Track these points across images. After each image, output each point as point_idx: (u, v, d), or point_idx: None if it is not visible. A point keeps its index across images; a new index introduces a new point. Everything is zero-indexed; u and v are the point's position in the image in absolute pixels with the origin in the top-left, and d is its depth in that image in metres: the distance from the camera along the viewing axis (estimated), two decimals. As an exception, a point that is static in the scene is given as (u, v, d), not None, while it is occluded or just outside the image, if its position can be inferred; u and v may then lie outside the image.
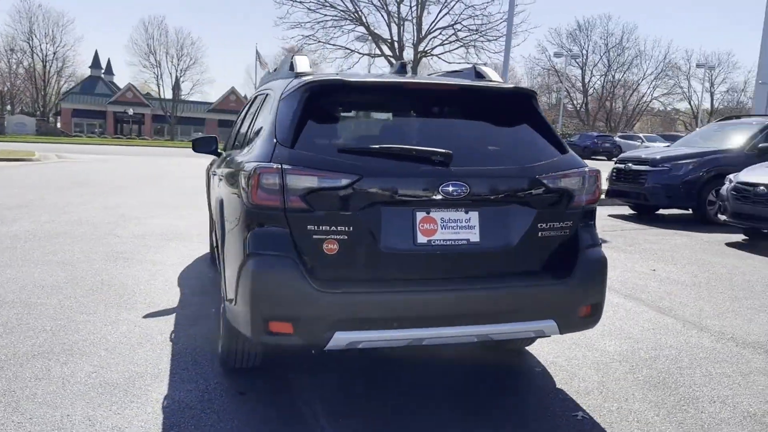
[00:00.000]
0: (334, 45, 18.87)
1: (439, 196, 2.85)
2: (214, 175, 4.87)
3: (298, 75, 3.35)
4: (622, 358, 4.02)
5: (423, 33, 18.48)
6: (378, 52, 18.45)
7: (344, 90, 3.13)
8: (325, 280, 2.76)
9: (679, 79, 65.33)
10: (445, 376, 3.69)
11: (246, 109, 4.78)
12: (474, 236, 2.92)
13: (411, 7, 17.55)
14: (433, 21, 18.32)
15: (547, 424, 3.08)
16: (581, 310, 3.06)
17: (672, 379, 3.69)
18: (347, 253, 2.80)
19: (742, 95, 67.17)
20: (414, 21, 18.13)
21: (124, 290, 5.24)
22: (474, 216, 2.93)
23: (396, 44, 18.18)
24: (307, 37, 19.56)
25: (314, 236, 2.79)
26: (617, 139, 41.13)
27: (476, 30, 18.89)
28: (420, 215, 2.87)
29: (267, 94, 3.93)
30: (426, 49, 18.82)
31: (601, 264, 3.14)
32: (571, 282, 3.01)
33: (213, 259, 6.20)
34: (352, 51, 18.76)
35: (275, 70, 4.84)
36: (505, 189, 2.96)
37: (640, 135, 41.82)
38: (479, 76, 3.63)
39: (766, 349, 4.31)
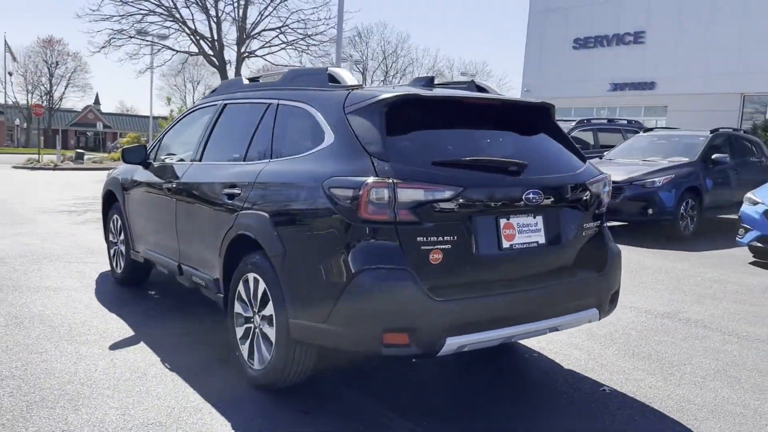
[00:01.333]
0: (149, 40, 17.56)
1: (521, 204, 3.11)
2: (164, 187, 4.53)
3: (353, 88, 3.36)
4: (611, 343, 4.61)
5: (246, 34, 18.06)
6: (196, 50, 17.64)
7: (419, 104, 3.21)
8: (434, 289, 2.86)
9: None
10: (483, 374, 3.94)
11: (196, 120, 4.49)
12: (541, 238, 3.24)
13: (234, 7, 17.14)
14: (254, 22, 18.07)
15: (586, 399, 3.50)
16: (610, 297, 3.53)
17: (654, 352, 4.37)
18: (449, 261, 2.93)
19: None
20: (237, 22, 17.64)
21: (53, 323, 4.59)
22: (540, 220, 3.25)
23: (216, 43, 17.52)
24: (117, 32, 17.89)
25: (422, 247, 2.87)
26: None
27: (305, 34, 19.05)
28: (502, 222, 3.10)
29: (269, 105, 3.81)
30: (250, 50, 18.50)
31: (620, 256, 3.65)
32: (606, 273, 3.47)
33: (126, 280, 5.65)
34: (165, 47, 17.70)
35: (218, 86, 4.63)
36: (563, 194, 3.32)
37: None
38: (481, 89, 3.91)
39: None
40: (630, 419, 3.27)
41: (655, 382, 3.78)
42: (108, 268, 6.26)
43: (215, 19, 17.26)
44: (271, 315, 3.33)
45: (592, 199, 3.48)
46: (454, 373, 3.89)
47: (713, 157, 10.15)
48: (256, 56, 18.44)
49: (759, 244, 7.67)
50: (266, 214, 3.33)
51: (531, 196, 3.13)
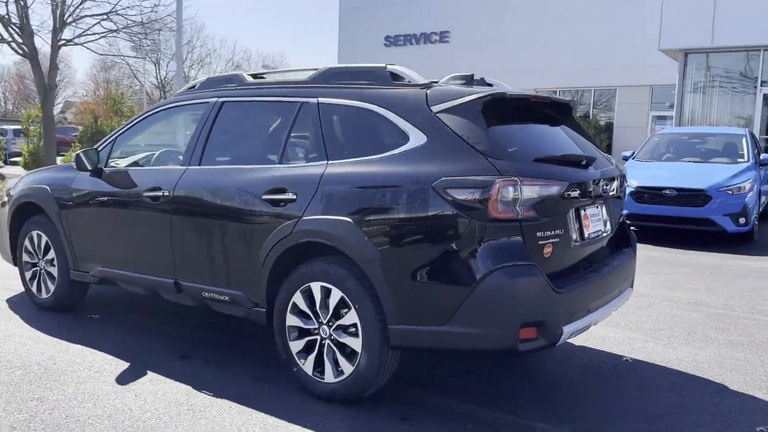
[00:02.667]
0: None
1: (597, 195, 3.35)
2: (146, 197, 4.08)
3: (425, 86, 3.32)
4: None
5: (65, 20, 15.89)
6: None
7: (503, 102, 3.27)
8: (551, 281, 2.98)
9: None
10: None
11: (203, 122, 4.03)
12: (604, 226, 3.52)
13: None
14: (73, 8, 15.88)
15: (612, 369, 3.87)
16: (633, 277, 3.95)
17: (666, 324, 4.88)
18: (556, 253, 3.08)
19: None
20: (53, 5, 15.40)
21: (18, 364, 3.87)
22: (603, 209, 3.54)
23: (25, 29, 15.17)
24: None
25: (539, 242, 2.98)
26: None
27: (140, 22, 17.28)
28: (583, 213, 3.32)
29: (303, 103, 3.61)
30: (68, 37, 16.28)
31: (635, 239, 4.07)
32: (633, 255, 3.87)
33: (57, 304, 4.89)
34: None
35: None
36: (615, 185, 3.62)
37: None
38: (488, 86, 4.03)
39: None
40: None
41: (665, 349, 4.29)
42: (12, 293, 5.36)
43: (22, 1, 15.03)
44: (354, 324, 3.19)
45: (622, 188, 3.85)
46: (518, 368, 4.03)
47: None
48: (75, 44, 16.43)
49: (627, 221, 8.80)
50: (348, 219, 3.16)
51: (606, 187, 3.40)
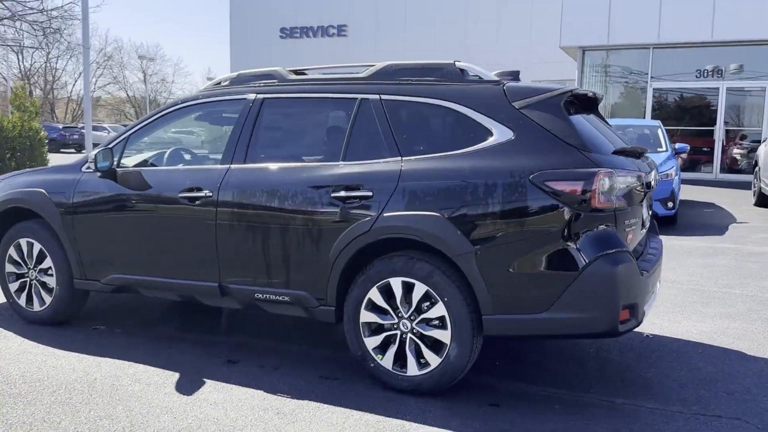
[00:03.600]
0: None
1: (650, 183, 3.64)
2: (182, 198, 3.89)
3: (497, 82, 3.44)
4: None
5: None
6: None
7: (574, 98, 3.45)
8: None
9: (113, 69, 66.03)
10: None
11: (244, 121, 3.89)
12: (646, 212, 3.82)
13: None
14: None
15: (641, 345, 4.22)
16: None
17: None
18: (633, 239, 3.32)
19: (172, 86, 73.09)
20: None
21: (52, 384, 3.59)
22: (646, 198, 3.84)
23: None
24: None
25: (626, 229, 3.21)
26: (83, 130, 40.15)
27: (41, 10, 15.70)
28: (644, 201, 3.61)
29: (363, 100, 3.61)
30: None
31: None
32: (659, 239, 4.23)
33: (54, 317, 4.53)
34: None
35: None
36: (654, 174, 3.93)
37: (106, 126, 41.86)
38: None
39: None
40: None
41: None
42: (-7, 308, 4.89)
43: None
44: (442, 316, 3.27)
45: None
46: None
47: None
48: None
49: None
50: (437, 214, 3.22)
51: (658, 175, 3.70)
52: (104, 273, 4.28)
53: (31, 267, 4.56)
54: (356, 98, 3.66)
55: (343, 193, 3.46)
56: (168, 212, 3.99)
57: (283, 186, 3.65)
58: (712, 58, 15.89)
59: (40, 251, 4.50)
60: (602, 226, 3.09)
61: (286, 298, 3.69)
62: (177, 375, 3.70)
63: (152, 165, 4.39)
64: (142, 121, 4.33)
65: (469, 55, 25.42)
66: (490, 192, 3.15)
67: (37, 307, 4.57)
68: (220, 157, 4.10)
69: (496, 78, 3.51)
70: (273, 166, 3.76)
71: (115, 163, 4.21)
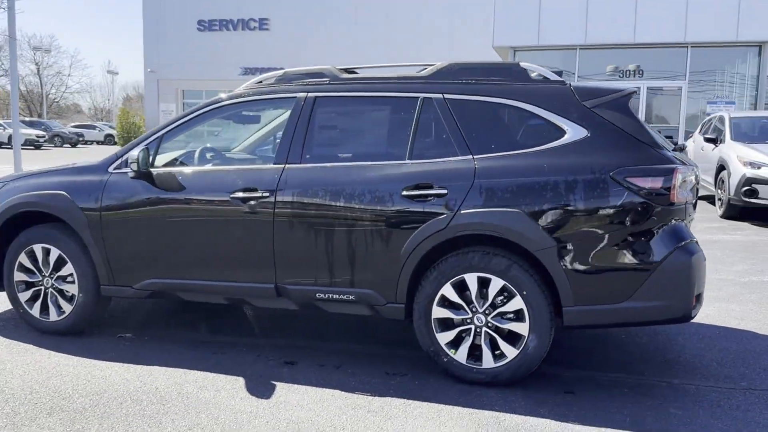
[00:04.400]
0: None
1: None
2: (234, 198, 3.81)
3: (562, 82, 3.60)
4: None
5: None
6: None
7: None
8: None
9: (2, 61, 61.55)
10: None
11: (297, 120, 3.85)
12: None
13: None
14: None
15: (667, 328, 4.54)
16: None
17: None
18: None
19: (68, 79, 69.15)
20: None
21: (126, 399, 3.43)
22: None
23: None
24: None
25: (690, 222, 3.46)
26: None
27: None
28: None
29: (426, 99, 3.68)
30: None
31: None
32: None
33: (75, 326, 4.29)
34: None
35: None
36: None
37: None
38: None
39: None
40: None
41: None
42: (-4, 319, 4.56)
43: None
44: (519, 309, 3.41)
45: None
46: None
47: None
48: None
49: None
50: (517, 210, 3.35)
51: None
52: (138, 278, 4.10)
53: (47, 274, 4.29)
54: (418, 97, 3.71)
55: (414, 192, 3.52)
56: (217, 214, 3.88)
57: (348, 185, 3.64)
58: (633, 59, 16.95)
59: (59, 257, 4.24)
60: (676, 220, 3.32)
61: (351, 297, 3.70)
62: (241, 379, 3.63)
63: (182, 164, 4.23)
64: (179, 119, 4.17)
65: (394, 53, 25.74)
66: (570, 188, 3.30)
67: (54, 316, 4.31)
68: (257, 156, 4.01)
69: (558, 78, 3.66)
70: (336, 165, 3.75)
71: (151, 163, 4.05)
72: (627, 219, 3.27)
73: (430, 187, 3.50)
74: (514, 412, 3.23)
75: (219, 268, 3.93)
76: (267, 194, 3.76)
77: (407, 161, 3.63)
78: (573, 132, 3.42)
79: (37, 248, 4.28)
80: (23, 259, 4.32)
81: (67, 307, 4.27)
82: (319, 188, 3.70)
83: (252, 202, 3.78)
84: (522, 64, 3.72)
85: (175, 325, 4.67)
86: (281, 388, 3.52)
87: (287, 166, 3.80)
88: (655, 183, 3.25)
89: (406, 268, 3.55)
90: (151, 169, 4.05)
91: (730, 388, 3.53)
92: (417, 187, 3.52)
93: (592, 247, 3.29)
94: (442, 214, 3.46)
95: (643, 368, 3.82)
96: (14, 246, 4.34)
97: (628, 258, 3.29)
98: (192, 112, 4.16)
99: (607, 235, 3.29)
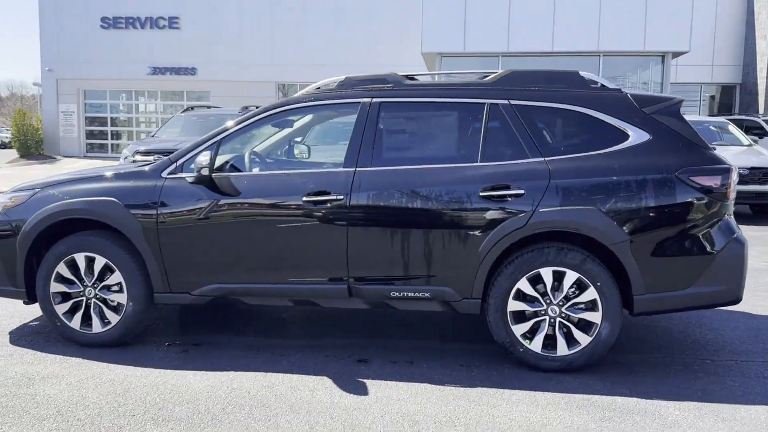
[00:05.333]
0: None
1: None
2: (307, 201, 3.88)
3: (618, 90, 3.93)
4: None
5: None
6: None
7: None
8: None
9: None
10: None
11: (365, 126, 3.96)
12: None
13: None
14: None
15: (675, 314, 5.03)
16: None
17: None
18: None
19: None
20: None
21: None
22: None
23: None
24: None
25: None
26: None
27: None
28: None
29: (492, 105, 3.90)
30: None
31: None
32: None
33: (124, 336, 4.15)
34: None
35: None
36: None
37: None
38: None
39: None
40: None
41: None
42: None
43: None
44: (593, 300, 3.70)
45: None
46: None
47: None
48: None
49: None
50: (593, 207, 3.64)
51: None
52: (199, 284, 4.04)
53: (90, 284, 4.12)
54: (484, 103, 3.92)
55: (492, 192, 3.73)
56: (287, 217, 3.91)
57: (424, 187, 3.80)
58: (552, 66, 17.98)
59: (105, 266, 4.08)
60: (728, 213, 3.74)
61: (427, 295, 3.85)
62: (326, 378, 3.69)
63: (234, 168, 4.19)
64: (238, 124, 4.14)
65: (310, 53, 25.70)
66: (641, 186, 3.64)
67: (98, 328, 4.14)
68: (309, 160, 4.06)
69: (614, 86, 4.00)
70: (410, 168, 3.89)
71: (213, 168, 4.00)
72: (691, 213, 3.65)
73: (507, 188, 3.73)
74: (599, 393, 3.52)
75: (289, 270, 3.96)
76: (341, 197, 3.83)
77: (481, 163, 3.83)
78: (636, 135, 3.77)
79: (80, 257, 4.10)
80: (62, 269, 4.12)
81: (114, 318, 4.12)
82: (394, 190, 3.82)
83: (325, 205, 3.85)
84: (581, 72, 4.02)
85: (215, 331, 4.60)
86: (370, 384, 3.62)
87: (358, 169, 3.89)
88: (715, 181, 3.65)
89: (484, 264, 3.75)
90: (214, 174, 4.00)
91: (762, 362, 4.00)
92: (494, 188, 3.74)
93: (661, 239, 3.65)
94: (521, 212, 3.70)
95: (679, 349, 4.24)
96: (51, 255, 4.13)
97: (691, 248, 3.67)
98: (252, 116, 4.14)
99: (673, 229, 3.65)
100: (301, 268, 3.95)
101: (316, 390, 3.53)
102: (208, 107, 15.46)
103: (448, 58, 18.13)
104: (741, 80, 23.37)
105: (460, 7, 17.51)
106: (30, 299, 4.26)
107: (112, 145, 28.97)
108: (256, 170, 4.23)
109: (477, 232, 3.75)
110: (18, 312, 4.86)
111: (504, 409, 3.32)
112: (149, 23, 28.04)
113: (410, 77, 4.24)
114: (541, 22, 17.33)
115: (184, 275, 4.05)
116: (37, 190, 4.26)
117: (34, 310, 4.84)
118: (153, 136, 13.15)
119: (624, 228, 3.65)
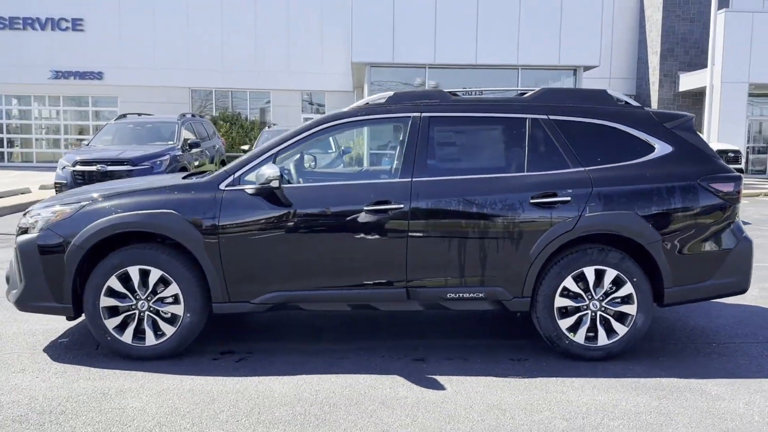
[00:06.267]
0: None
1: None
2: (368, 210, 4.10)
3: (640, 107, 4.44)
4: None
5: None
6: None
7: None
8: None
9: None
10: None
11: (412, 139, 4.24)
12: None
13: None
14: None
15: (689, 307, 5.64)
16: None
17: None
18: None
19: None
20: None
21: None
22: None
23: None
24: None
25: None
26: None
27: None
28: None
29: (532, 119, 4.29)
30: None
31: None
32: None
33: (179, 348, 4.18)
34: None
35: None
36: None
37: None
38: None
39: None
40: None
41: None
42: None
43: None
44: (629, 294, 4.17)
45: None
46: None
47: None
48: None
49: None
50: (631, 212, 4.11)
51: None
52: (259, 292, 4.14)
53: (143, 297, 4.10)
54: (526, 118, 4.31)
55: (541, 200, 4.11)
56: (349, 226, 4.10)
57: (479, 196, 4.12)
58: (475, 77, 18.85)
59: (160, 278, 4.10)
60: (738, 215, 4.33)
61: (481, 295, 4.18)
62: (397, 377, 3.92)
63: (288, 180, 4.35)
64: (292, 137, 4.27)
65: (228, 59, 25.31)
66: (670, 193, 4.16)
67: (151, 341, 4.14)
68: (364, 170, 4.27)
69: (636, 104, 4.50)
70: (464, 177, 4.20)
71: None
72: (711, 216, 4.21)
73: (555, 195, 4.13)
74: (642, 376, 3.97)
75: (349, 276, 4.15)
76: (401, 206, 4.08)
77: (528, 173, 4.21)
78: (661, 147, 4.28)
79: (133, 270, 4.08)
80: (113, 283, 4.08)
81: (169, 330, 4.13)
82: (451, 199, 4.12)
83: (386, 214, 4.08)
84: (608, 91, 4.50)
85: (257, 339, 4.68)
86: (441, 380, 3.89)
87: (414, 179, 4.16)
88: (730, 187, 4.23)
89: (535, 265, 4.13)
90: (272, 185, 4.11)
91: (756, 342, 4.63)
92: (543, 195, 4.12)
93: (687, 238, 4.18)
94: (568, 218, 4.11)
95: (685, 336, 4.81)
96: (102, 269, 4.08)
97: (712, 246, 4.23)
98: (307, 129, 4.30)
99: (697, 229, 4.19)
100: (361, 273, 4.15)
101: (395, 387, 3.75)
102: (139, 114, 14.93)
103: (378, 68, 18.56)
104: (635, 92, 25.43)
105: (389, 21, 18.00)
106: (76, 315, 4.17)
107: (6, 153, 27.07)
108: (310, 181, 4.38)
109: (528, 236, 4.12)
110: (39, 330, 4.71)
111: (573, 394, 3.70)
112: (50, 25, 26.52)
113: (453, 93, 4.55)
114: (465, 36, 18.15)
115: (245, 284, 4.13)
116: (84, 203, 4.18)
117: (56, 326, 4.73)
118: (88, 145, 12.63)
119: (657, 229, 4.14)
